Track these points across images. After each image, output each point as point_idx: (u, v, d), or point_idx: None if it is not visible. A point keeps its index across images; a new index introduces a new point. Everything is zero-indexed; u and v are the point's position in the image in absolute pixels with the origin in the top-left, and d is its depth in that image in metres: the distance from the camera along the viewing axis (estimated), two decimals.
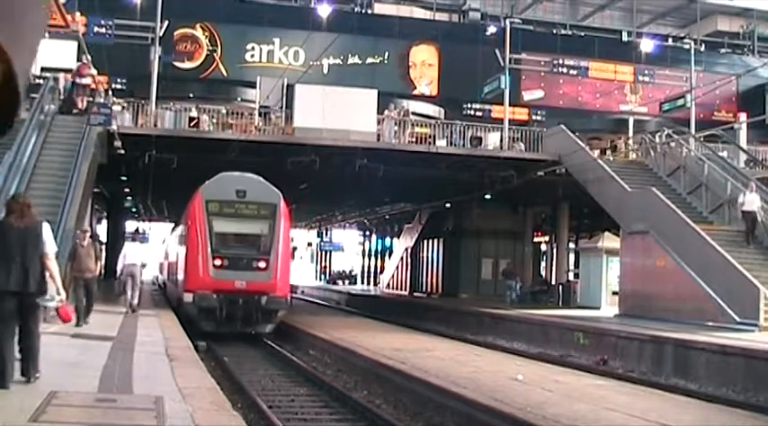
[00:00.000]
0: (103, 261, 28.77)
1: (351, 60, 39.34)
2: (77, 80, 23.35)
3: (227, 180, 21.73)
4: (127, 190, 35.52)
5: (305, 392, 14.08)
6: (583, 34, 45.04)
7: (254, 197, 21.36)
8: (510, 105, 29.89)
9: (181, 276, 22.41)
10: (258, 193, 21.48)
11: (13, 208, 7.71)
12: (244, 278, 20.44)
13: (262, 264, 20.65)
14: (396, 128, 27.18)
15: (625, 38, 45.04)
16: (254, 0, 39.84)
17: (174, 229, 33.28)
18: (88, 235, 15.11)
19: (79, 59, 26.33)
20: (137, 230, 53.56)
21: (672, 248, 20.49)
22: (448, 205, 35.60)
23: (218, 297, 20.02)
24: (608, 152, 29.86)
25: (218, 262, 20.52)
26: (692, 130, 29.04)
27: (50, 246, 7.71)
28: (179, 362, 10.74)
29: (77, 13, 24.22)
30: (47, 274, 7.67)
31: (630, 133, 32.95)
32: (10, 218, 7.62)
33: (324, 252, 66.37)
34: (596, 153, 27.25)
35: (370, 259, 55.36)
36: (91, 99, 22.87)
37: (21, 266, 7.42)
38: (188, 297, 20.47)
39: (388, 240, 50.22)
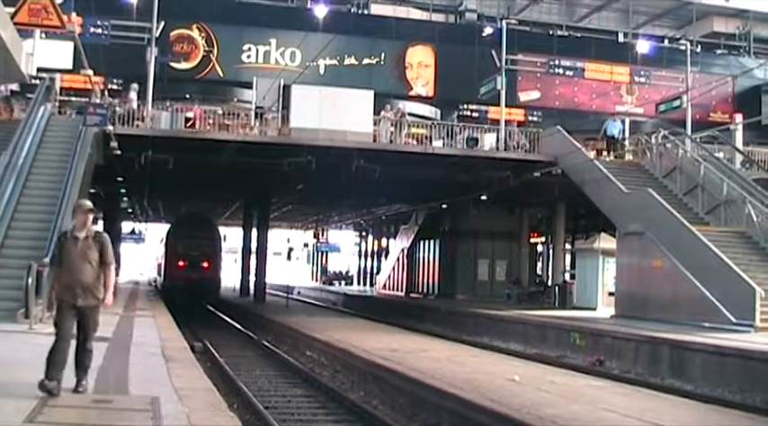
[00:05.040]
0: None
1: (347, 61, 39.34)
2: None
3: (187, 216, 40.16)
4: (123, 190, 35.49)
5: (301, 393, 14.08)
6: (579, 35, 45.08)
7: (201, 226, 36.60)
8: (506, 106, 29.90)
9: (162, 271, 38.29)
10: (204, 223, 37.30)
11: None
12: (195, 272, 34.22)
13: (205, 264, 34.93)
14: (392, 129, 27.15)
15: (621, 39, 45.07)
16: (250, 1, 39.79)
17: (159, 242, 45.62)
18: (91, 217, 8.10)
19: (76, 60, 26.34)
20: (133, 231, 53.70)
21: (668, 249, 20.49)
22: (444, 206, 35.60)
23: (181, 283, 33.53)
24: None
25: (181, 263, 34.80)
26: (688, 131, 29.07)
27: None
28: (175, 363, 10.71)
29: (73, 14, 24.15)
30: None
31: (627, 134, 32.93)
32: None
33: (320, 253, 66.35)
34: (592, 153, 27.24)
35: (366, 260, 55.35)
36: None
37: None
38: (164, 283, 36.20)
39: (384, 241, 50.21)
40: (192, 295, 32.89)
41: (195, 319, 26.61)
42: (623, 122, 29.49)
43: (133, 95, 25.44)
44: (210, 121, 26.77)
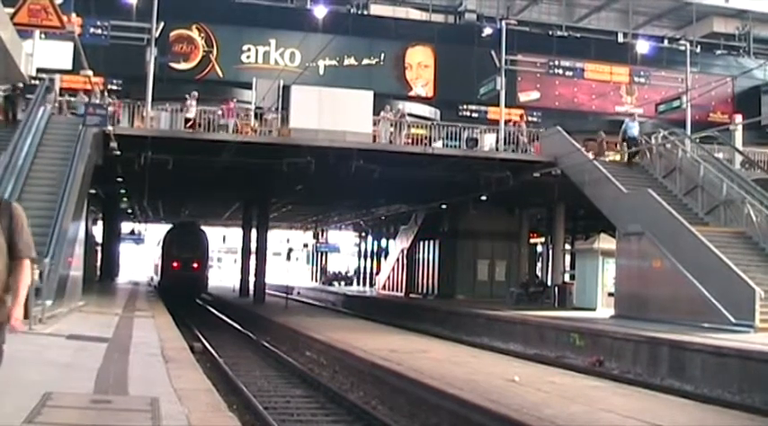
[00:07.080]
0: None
1: (347, 61, 39.35)
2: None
3: (181, 224, 45.18)
4: (123, 191, 35.48)
5: (301, 393, 14.08)
6: (579, 35, 45.06)
7: (192, 233, 42.24)
8: (506, 106, 29.90)
9: (159, 271, 44.33)
10: (194, 230, 42.80)
11: None
12: (187, 271, 39.38)
13: (195, 265, 40.30)
14: (391, 129, 27.15)
15: (621, 39, 45.03)
16: (249, 1, 39.80)
17: (156, 246, 51.13)
18: None
19: (76, 61, 26.34)
20: (132, 231, 53.78)
21: (667, 249, 20.50)
22: (444, 206, 35.60)
23: (175, 281, 38.43)
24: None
25: (175, 264, 40.10)
26: (688, 132, 29.07)
27: None
28: (175, 363, 10.71)
29: (73, 15, 24.15)
30: None
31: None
32: None
33: (320, 254, 66.33)
34: (591, 154, 27.24)
35: (366, 260, 55.34)
36: None
37: None
38: (161, 281, 41.71)
39: (384, 241, 50.21)
40: (185, 290, 37.81)
41: (195, 320, 26.63)
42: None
43: (192, 102, 25.72)
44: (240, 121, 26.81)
